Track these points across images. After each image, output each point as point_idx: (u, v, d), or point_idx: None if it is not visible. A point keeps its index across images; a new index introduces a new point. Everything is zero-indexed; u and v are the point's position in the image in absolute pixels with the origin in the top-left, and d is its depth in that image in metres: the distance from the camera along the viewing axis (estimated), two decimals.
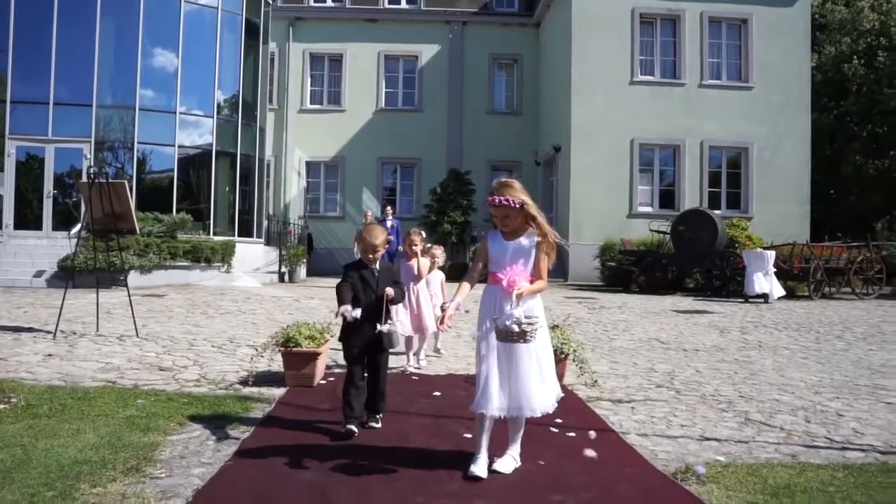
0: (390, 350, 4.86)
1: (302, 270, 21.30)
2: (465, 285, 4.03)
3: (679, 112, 21.78)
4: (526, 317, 3.71)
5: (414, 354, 7.10)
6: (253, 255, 20.78)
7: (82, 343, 8.04)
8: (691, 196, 21.69)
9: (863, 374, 7.11)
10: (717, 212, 19.60)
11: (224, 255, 18.58)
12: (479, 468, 3.80)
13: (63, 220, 18.50)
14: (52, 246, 17.16)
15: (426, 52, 26.65)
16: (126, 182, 9.25)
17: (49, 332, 8.61)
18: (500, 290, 3.84)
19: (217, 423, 4.83)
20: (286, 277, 20.37)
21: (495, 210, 3.92)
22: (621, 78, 21.79)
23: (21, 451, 3.97)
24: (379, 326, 4.57)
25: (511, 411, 3.86)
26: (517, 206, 3.86)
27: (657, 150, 22.06)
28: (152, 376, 6.38)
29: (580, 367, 6.14)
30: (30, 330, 8.92)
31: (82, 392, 5.55)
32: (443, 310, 3.97)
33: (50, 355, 7.23)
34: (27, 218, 18.68)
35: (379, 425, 4.76)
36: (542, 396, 3.87)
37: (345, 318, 4.54)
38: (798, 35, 22.26)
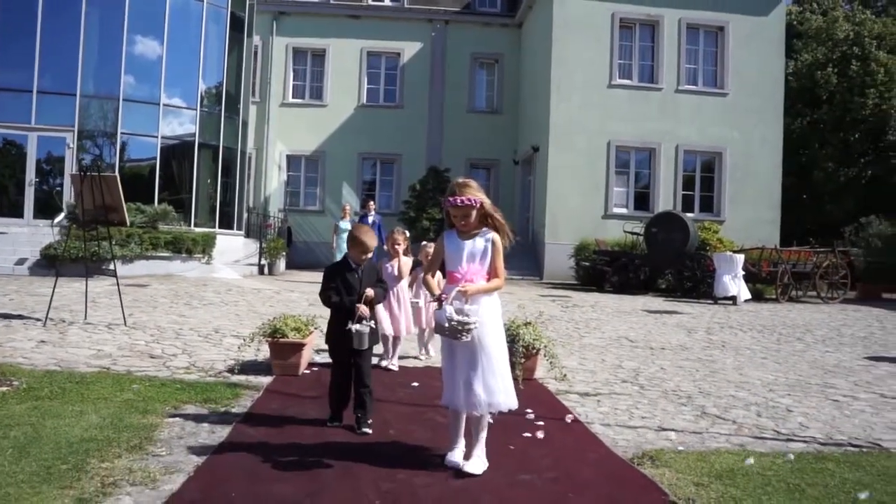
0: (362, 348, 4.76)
1: (281, 263, 21.56)
2: (433, 282, 4.12)
3: (655, 116, 22.28)
4: (461, 314, 3.75)
5: (389, 357, 7.09)
6: (233, 248, 20.97)
7: (72, 331, 8.31)
8: (665, 198, 22.21)
9: (816, 374, 7.56)
10: (689, 215, 20.13)
11: (205, 246, 18.74)
12: (456, 455, 4.02)
13: (44, 209, 18.60)
14: (33, 234, 17.27)
15: (408, 49, 26.95)
16: (118, 176, 9.50)
17: (38, 320, 8.87)
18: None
19: (210, 407, 5.18)
20: (266, 270, 20.61)
21: (456, 210, 3.96)
22: (600, 81, 22.23)
23: (31, 430, 4.28)
24: (350, 325, 4.61)
25: (470, 408, 3.96)
26: (477, 205, 3.94)
27: (633, 152, 22.56)
28: (144, 363, 6.69)
29: (551, 362, 6.51)
30: (19, 317, 9.15)
31: (79, 377, 5.85)
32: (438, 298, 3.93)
33: (43, 342, 7.50)
34: (8, 205, 18.76)
35: (370, 431, 4.69)
36: (499, 393, 3.94)
37: (343, 324, 4.67)
38: (773, 43, 22.85)
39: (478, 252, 3.99)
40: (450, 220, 4.07)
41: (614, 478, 3.94)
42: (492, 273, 4.03)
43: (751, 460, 4.23)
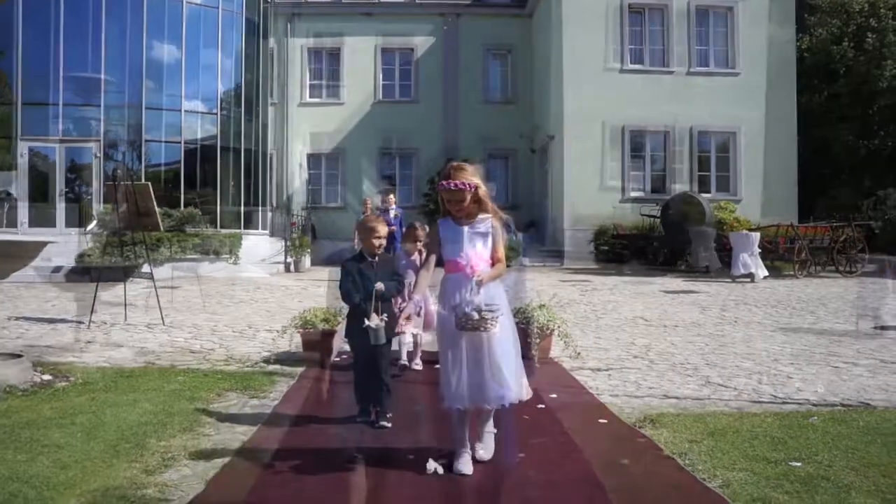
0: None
1: (306, 260, 22.04)
2: (425, 276, 4.01)
3: (668, 99, 22.44)
4: (486, 304, 3.68)
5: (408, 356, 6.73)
6: (259, 247, 21.46)
7: (115, 331, 8.85)
8: (681, 180, 22.42)
9: (821, 344, 7.90)
10: (705, 195, 20.35)
11: (231, 247, 19.26)
12: (465, 464, 3.80)
13: (75, 218, 19.18)
14: (66, 243, 17.78)
15: (421, 44, 27.31)
16: (150, 184, 10.02)
17: (81, 322, 9.40)
18: (463, 276, 3.78)
19: (250, 393, 5.66)
20: (292, 267, 21.11)
21: (449, 194, 3.83)
22: (611, 67, 22.47)
23: (94, 416, 4.78)
24: (366, 322, 4.51)
25: (479, 402, 3.83)
26: (472, 189, 3.80)
27: (648, 136, 22.80)
28: (185, 358, 7.19)
29: (565, 342, 6.90)
30: (63, 321, 9.71)
31: (128, 372, 6.37)
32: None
33: (89, 342, 8.05)
34: (41, 216, 19.38)
35: (389, 424, 4.73)
36: (511, 384, 3.81)
37: (360, 321, 4.69)
38: (783, 21, 22.94)
39: (479, 237, 3.87)
40: (445, 208, 3.95)
41: (617, 438, 4.37)
42: (494, 258, 3.91)
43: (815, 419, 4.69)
